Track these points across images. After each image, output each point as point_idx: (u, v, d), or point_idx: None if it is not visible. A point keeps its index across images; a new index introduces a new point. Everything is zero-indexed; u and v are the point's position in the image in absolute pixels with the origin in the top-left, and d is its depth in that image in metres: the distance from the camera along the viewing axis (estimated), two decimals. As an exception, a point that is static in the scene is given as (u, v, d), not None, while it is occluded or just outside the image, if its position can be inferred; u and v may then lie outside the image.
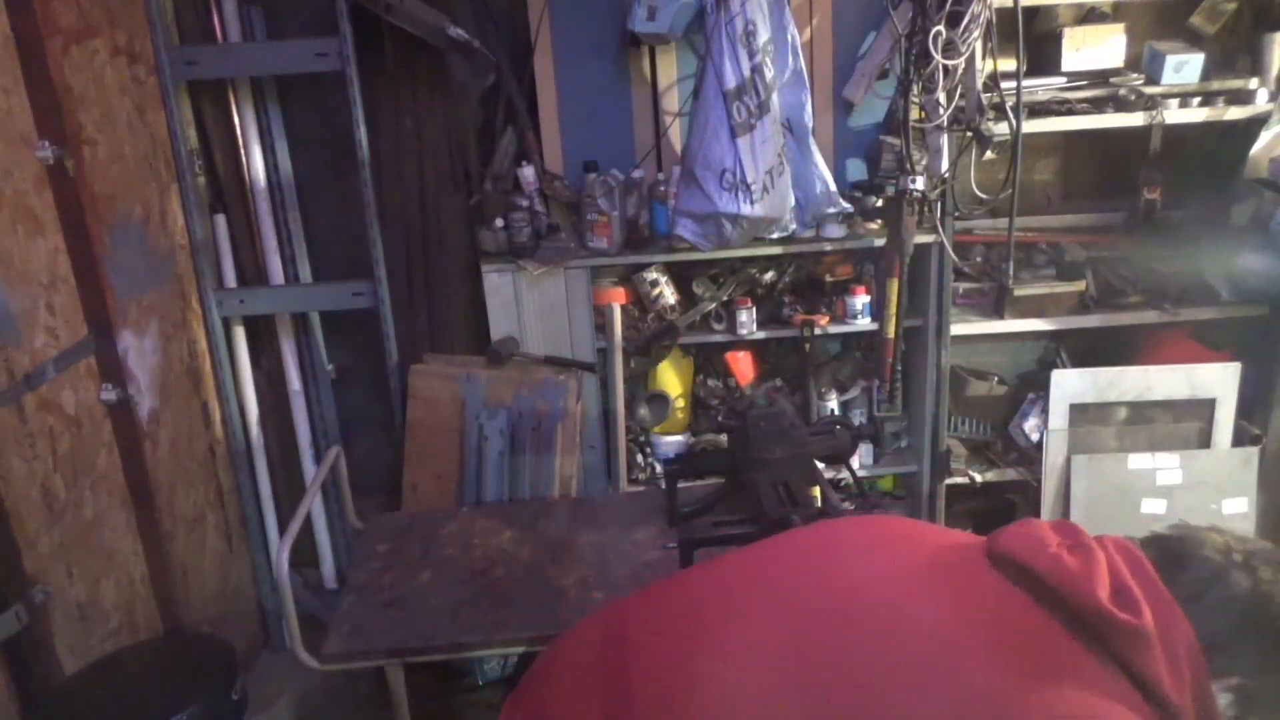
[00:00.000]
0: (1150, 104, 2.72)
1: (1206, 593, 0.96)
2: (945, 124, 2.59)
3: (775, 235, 2.75)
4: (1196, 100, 2.76)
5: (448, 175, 2.80)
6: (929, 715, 0.90)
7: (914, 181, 2.59)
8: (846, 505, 2.02)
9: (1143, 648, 0.91)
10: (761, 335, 2.87)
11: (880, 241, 2.77)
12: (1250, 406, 2.89)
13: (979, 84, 2.56)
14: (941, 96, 2.53)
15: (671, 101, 2.86)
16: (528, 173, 2.74)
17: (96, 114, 2.18)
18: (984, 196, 2.67)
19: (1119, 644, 0.91)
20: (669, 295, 2.86)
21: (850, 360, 3.09)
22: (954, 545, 1.10)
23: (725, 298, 2.86)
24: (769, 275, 2.89)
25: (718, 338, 2.89)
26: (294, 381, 2.85)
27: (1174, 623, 0.93)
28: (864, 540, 1.14)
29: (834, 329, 2.88)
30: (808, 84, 2.72)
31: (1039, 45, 2.82)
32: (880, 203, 2.81)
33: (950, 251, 2.74)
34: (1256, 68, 2.75)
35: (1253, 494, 2.82)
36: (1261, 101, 2.72)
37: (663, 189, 2.77)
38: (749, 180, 2.54)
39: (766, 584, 1.11)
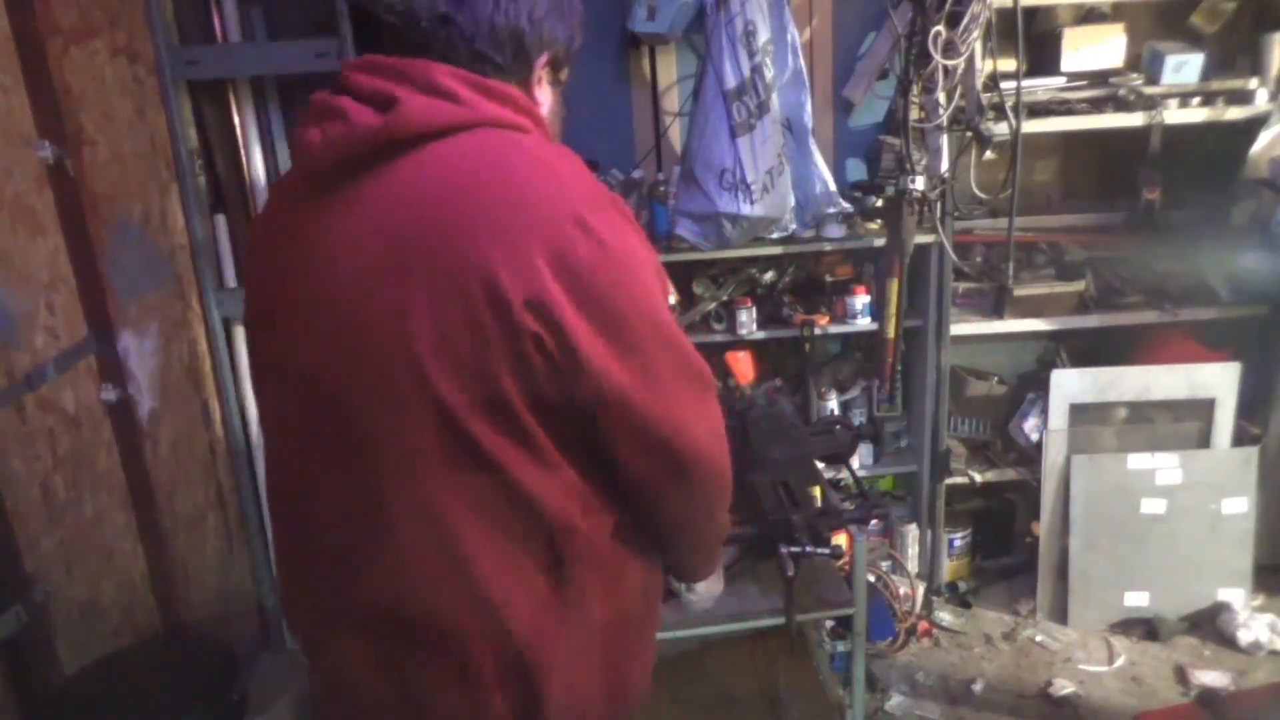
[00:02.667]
0: (1150, 104, 2.72)
1: (493, 14, 1.07)
2: (945, 124, 2.59)
3: (775, 235, 2.75)
4: (1196, 100, 2.76)
5: (448, 175, 2.81)
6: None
7: (914, 181, 2.59)
8: (846, 505, 2.02)
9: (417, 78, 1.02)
10: (761, 335, 2.87)
11: (880, 241, 2.77)
12: (1250, 406, 2.90)
13: (979, 84, 2.56)
14: (941, 96, 2.53)
15: (671, 101, 2.86)
16: (528, 173, 2.74)
17: (96, 114, 2.17)
18: (984, 196, 2.67)
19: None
20: (669, 295, 2.85)
21: (850, 360, 3.09)
22: None
23: (725, 298, 2.86)
24: (769, 275, 2.89)
25: (718, 338, 2.89)
26: (294, 381, 2.85)
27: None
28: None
29: (834, 329, 2.88)
30: (808, 84, 2.72)
31: (1039, 45, 2.82)
32: (880, 203, 2.82)
33: (950, 251, 2.74)
34: (1256, 68, 2.75)
35: (1252, 494, 2.83)
36: (1261, 101, 2.72)
37: (663, 189, 2.77)
38: (749, 180, 2.54)
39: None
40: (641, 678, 1.25)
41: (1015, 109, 2.54)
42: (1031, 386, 3.08)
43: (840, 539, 2.14)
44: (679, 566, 1.35)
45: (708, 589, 1.71)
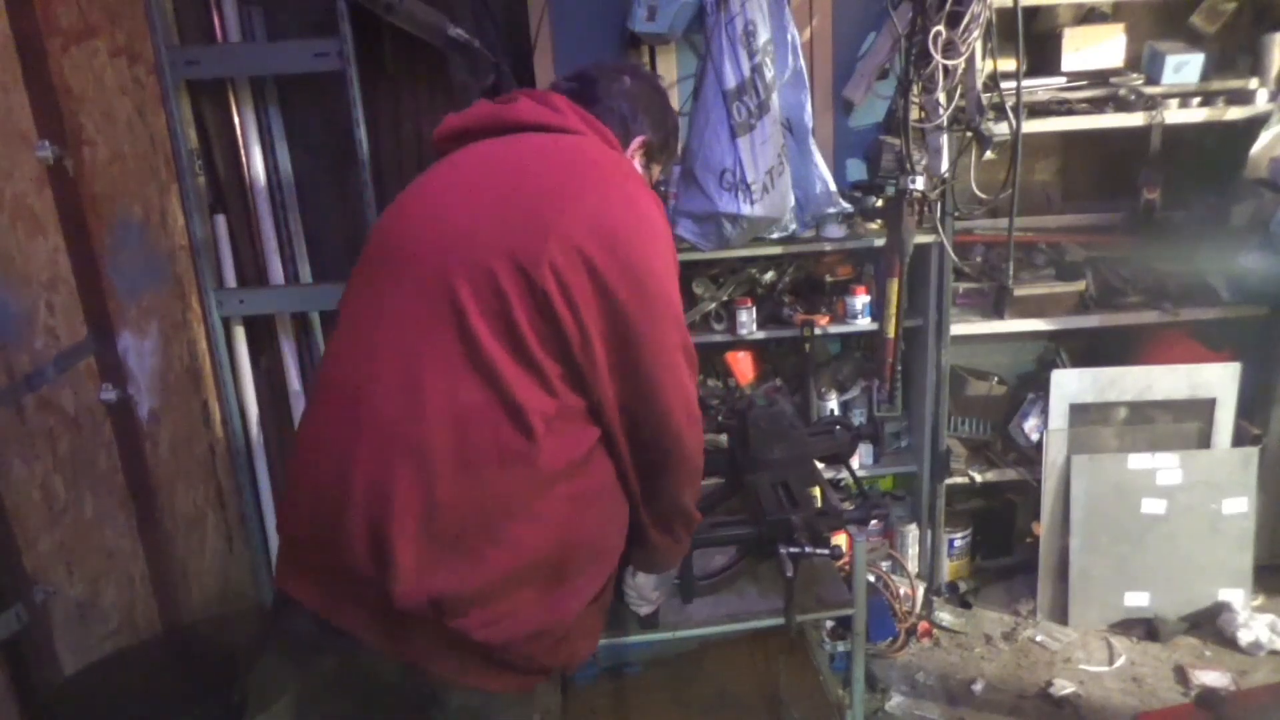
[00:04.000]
0: (1150, 104, 2.72)
1: (608, 98, 1.59)
2: (945, 124, 2.59)
3: (775, 235, 2.75)
4: (1196, 100, 2.76)
5: (448, 175, 2.81)
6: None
7: (914, 181, 2.59)
8: (846, 505, 2.02)
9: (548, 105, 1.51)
10: (761, 335, 2.87)
11: (880, 241, 2.77)
12: (1250, 406, 2.90)
13: (979, 84, 2.56)
14: (941, 96, 2.54)
15: (671, 101, 2.85)
16: (528, 173, 2.74)
17: (96, 114, 2.18)
18: (984, 196, 2.67)
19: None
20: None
21: (850, 360, 3.09)
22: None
23: (725, 298, 2.86)
24: (769, 275, 2.89)
25: (718, 338, 2.89)
26: (294, 381, 2.85)
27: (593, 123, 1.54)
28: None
29: (834, 329, 2.88)
30: (808, 84, 2.72)
31: (1039, 45, 2.82)
32: (880, 203, 2.81)
33: (950, 251, 2.74)
34: (1256, 68, 2.75)
35: (1253, 494, 2.83)
36: (1261, 101, 2.72)
37: (663, 189, 2.77)
38: (749, 180, 2.54)
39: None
40: (578, 612, 1.38)
41: (1015, 109, 2.54)
42: (1031, 386, 3.08)
43: (840, 539, 2.14)
44: (638, 533, 1.51)
45: (646, 591, 1.65)
